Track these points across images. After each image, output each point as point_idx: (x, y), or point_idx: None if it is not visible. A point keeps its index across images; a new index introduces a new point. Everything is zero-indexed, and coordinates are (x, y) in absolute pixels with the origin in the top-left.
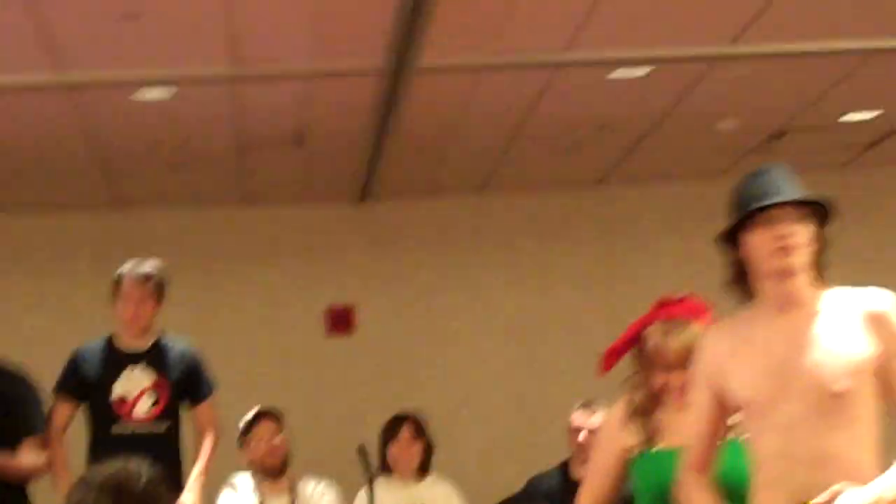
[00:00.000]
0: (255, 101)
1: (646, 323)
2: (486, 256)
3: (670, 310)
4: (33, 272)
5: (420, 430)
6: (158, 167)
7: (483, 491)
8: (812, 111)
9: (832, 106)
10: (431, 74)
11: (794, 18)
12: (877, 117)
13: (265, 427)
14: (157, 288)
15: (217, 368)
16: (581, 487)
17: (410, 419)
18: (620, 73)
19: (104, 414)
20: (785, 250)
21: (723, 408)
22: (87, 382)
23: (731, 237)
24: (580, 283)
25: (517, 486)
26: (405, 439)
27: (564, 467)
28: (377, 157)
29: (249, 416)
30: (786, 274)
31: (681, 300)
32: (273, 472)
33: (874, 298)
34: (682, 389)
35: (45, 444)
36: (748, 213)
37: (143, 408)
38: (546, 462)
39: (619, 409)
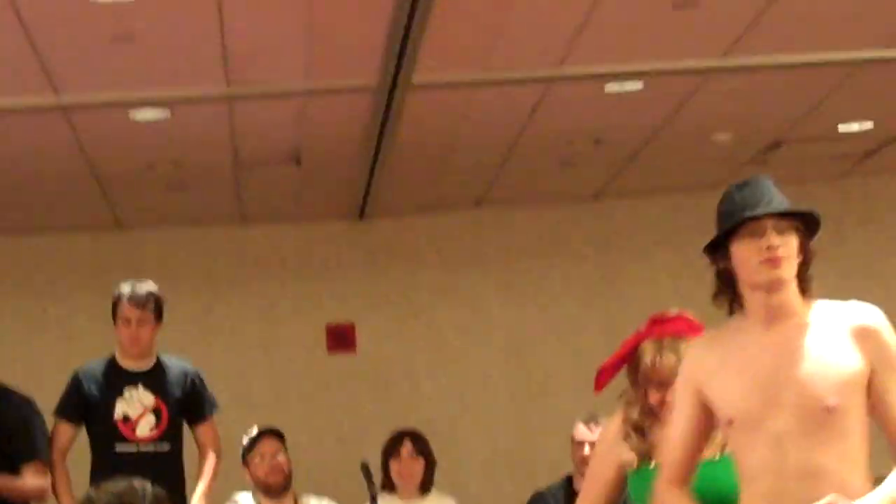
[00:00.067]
0: (251, 121)
1: (639, 340)
2: (485, 272)
3: (664, 327)
4: (33, 294)
5: (421, 447)
6: (156, 187)
7: None
8: (806, 122)
9: (826, 117)
10: (426, 91)
11: (785, 30)
12: (871, 128)
13: (267, 445)
14: (156, 310)
15: (218, 387)
16: (577, 501)
17: (411, 436)
18: (614, 87)
19: (107, 434)
20: (772, 262)
21: (707, 421)
22: (89, 403)
23: (719, 248)
24: (578, 297)
25: (518, 500)
26: (406, 456)
27: (568, 481)
28: (374, 174)
29: (251, 434)
30: (773, 286)
31: (674, 317)
32: (275, 490)
33: (862, 313)
34: None
35: (47, 469)
36: (735, 224)
37: (146, 427)
38: (547, 476)
39: (614, 424)
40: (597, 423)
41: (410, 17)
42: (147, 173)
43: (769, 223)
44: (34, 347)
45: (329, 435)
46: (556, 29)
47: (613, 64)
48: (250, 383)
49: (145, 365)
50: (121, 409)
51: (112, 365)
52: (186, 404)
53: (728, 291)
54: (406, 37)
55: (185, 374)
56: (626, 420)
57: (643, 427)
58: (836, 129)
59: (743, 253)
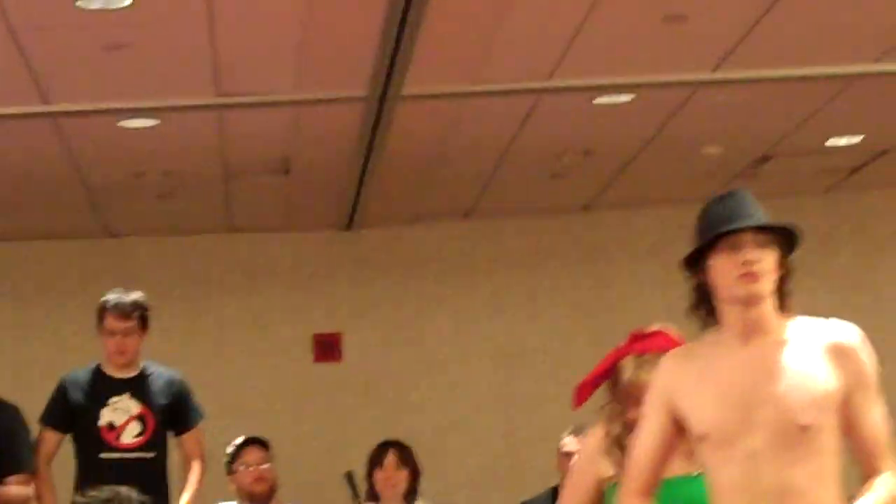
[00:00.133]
0: (240, 130)
1: (619, 356)
2: (473, 283)
3: (644, 343)
4: (21, 301)
5: (405, 457)
6: (144, 196)
7: None
8: (796, 136)
9: (816, 131)
10: (416, 102)
11: (775, 45)
12: (860, 142)
13: (252, 454)
14: (140, 320)
15: (203, 396)
16: None
17: (395, 446)
18: (604, 100)
19: (92, 441)
20: (750, 276)
21: (675, 435)
22: (75, 410)
23: (697, 261)
24: (567, 309)
25: None
26: (390, 466)
27: (554, 493)
28: (363, 184)
29: (237, 443)
30: (750, 301)
31: (654, 333)
32: (260, 499)
33: (840, 331)
34: None
35: (31, 479)
36: (713, 238)
37: (130, 435)
38: (533, 488)
39: (595, 437)
40: (585, 435)
41: (401, 28)
42: (136, 182)
43: (747, 237)
44: (22, 354)
45: (315, 444)
46: (546, 41)
47: (603, 76)
48: (237, 392)
49: (131, 373)
50: (106, 416)
51: (98, 373)
52: (172, 412)
53: (705, 305)
54: (396, 48)
55: (171, 383)
56: (608, 434)
57: (624, 442)
58: (826, 143)
59: (720, 267)
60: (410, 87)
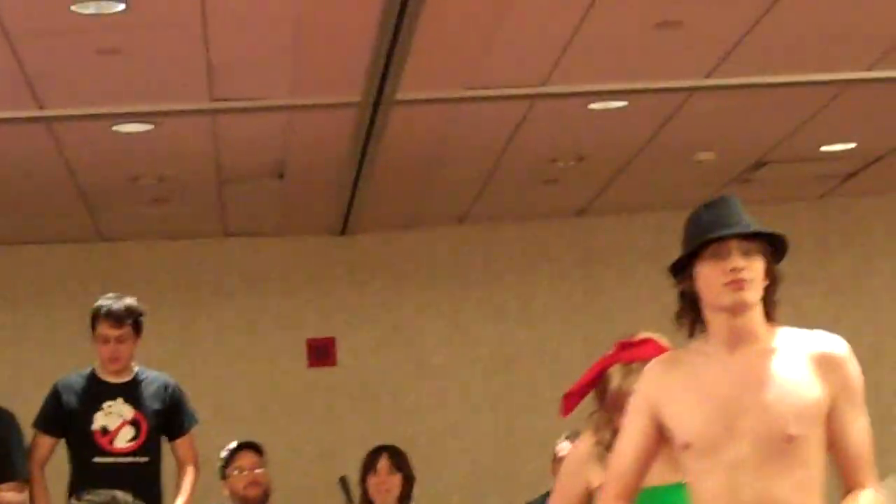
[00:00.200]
0: (234, 135)
1: (606, 365)
2: (467, 288)
3: (631, 351)
4: (15, 305)
5: (398, 463)
6: (139, 200)
7: None
8: (790, 142)
9: (810, 137)
10: (410, 107)
11: (769, 51)
12: (854, 148)
13: (246, 459)
14: (134, 327)
15: (198, 400)
16: None
17: (388, 451)
18: (598, 105)
19: (85, 445)
20: (736, 284)
21: (658, 442)
22: (69, 414)
23: (683, 268)
24: (561, 314)
25: None
26: (383, 472)
27: (548, 498)
28: (357, 189)
29: (230, 447)
30: (737, 309)
31: (641, 342)
32: None
33: (827, 343)
34: None
35: (25, 486)
36: (700, 245)
37: (124, 440)
38: (527, 493)
39: (582, 446)
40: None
41: (395, 33)
42: (130, 186)
43: (734, 245)
44: (16, 359)
45: (308, 449)
46: (540, 47)
47: (597, 82)
48: (230, 397)
49: (125, 378)
50: (99, 421)
51: (92, 377)
52: (165, 417)
53: (691, 313)
54: (391, 53)
55: (165, 387)
56: (599, 442)
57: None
58: (819, 149)
59: (707, 274)
60: (405, 92)
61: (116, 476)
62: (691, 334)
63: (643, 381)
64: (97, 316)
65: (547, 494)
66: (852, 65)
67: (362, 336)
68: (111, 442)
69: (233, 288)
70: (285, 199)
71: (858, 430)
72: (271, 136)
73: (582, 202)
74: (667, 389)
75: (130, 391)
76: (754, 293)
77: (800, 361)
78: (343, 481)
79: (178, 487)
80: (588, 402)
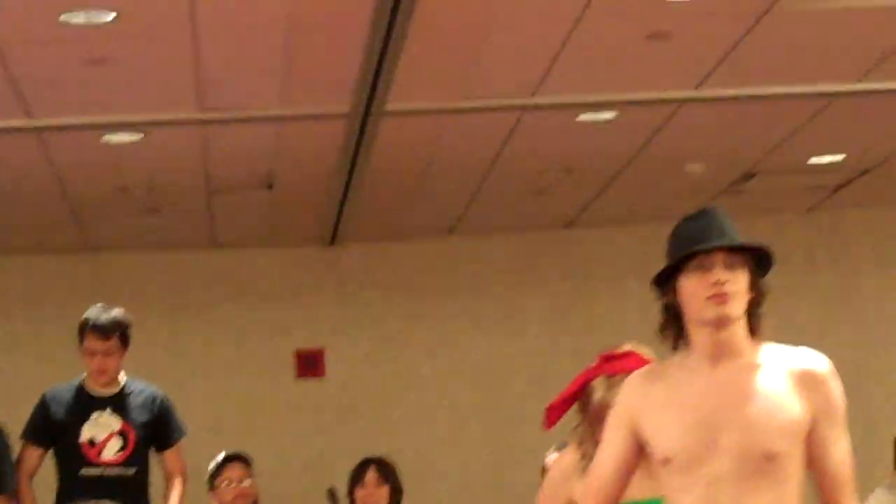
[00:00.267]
0: (224, 146)
1: (589, 377)
2: (455, 300)
3: (614, 364)
4: (3, 316)
5: (385, 474)
6: (128, 211)
7: None
8: (778, 154)
9: (798, 149)
10: (399, 118)
11: (758, 63)
12: (842, 160)
13: (234, 470)
14: (121, 339)
15: (186, 412)
16: None
17: (375, 463)
18: (587, 117)
19: (73, 456)
20: (719, 298)
21: (637, 456)
22: (56, 425)
23: (667, 281)
24: (549, 326)
25: None
26: (371, 483)
27: None
28: (346, 200)
29: (218, 459)
30: (720, 323)
31: (624, 354)
32: None
33: (810, 360)
34: None
35: (12, 499)
36: (683, 257)
37: (112, 451)
38: None
39: (566, 459)
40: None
41: (385, 45)
42: (119, 196)
43: (718, 257)
44: (3, 369)
45: (297, 461)
46: (529, 58)
47: (587, 94)
48: (219, 408)
49: (113, 389)
50: (87, 432)
51: (80, 389)
52: (153, 429)
53: (674, 326)
54: (380, 64)
55: (153, 399)
56: (584, 455)
57: None
58: (808, 161)
59: (690, 287)
60: (394, 103)
61: (104, 487)
62: (675, 347)
63: (623, 394)
64: (84, 329)
65: None
66: (841, 77)
67: (351, 347)
68: (99, 453)
69: (221, 298)
70: (274, 209)
71: (839, 449)
72: (261, 146)
73: (571, 214)
74: (647, 403)
75: (118, 403)
76: (737, 307)
77: (782, 378)
78: (331, 493)
79: (165, 499)
80: (574, 414)
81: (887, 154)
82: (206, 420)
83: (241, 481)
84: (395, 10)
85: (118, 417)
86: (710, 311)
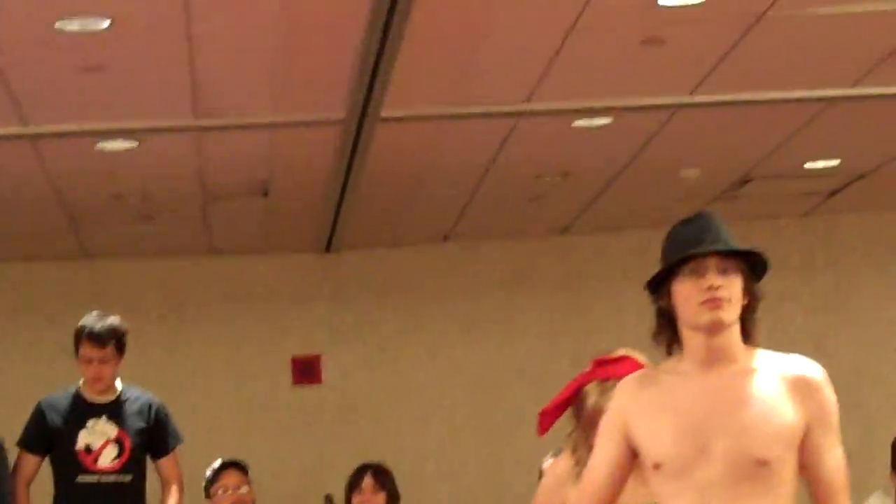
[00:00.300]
0: (219, 152)
1: (582, 383)
2: (451, 306)
3: (608, 369)
4: None
5: (382, 481)
6: (123, 218)
7: None
8: (774, 159)
9: (794, 154)
10: (394, 124)
11: (753, 68)
12: (837, 165)
13: (231, 477)
14: (117, 347)
15: (182, 419)
16: None
17: (372, 469)
18: (582, 123)
19: (69, 463)
20: (713, 303)
21: (630, 463)
22: (52, 433)
23: (661, 285)
24: (544, 333)
25: None
26: (367, 490)
27: None
28: (341, 206)
29: (215, 466)
30: (713, 328)
31: (617, 359)
32: None
33: (804, 367)
34: None
35: None
36: (677, 262)
37: (108, 458)
38: None
39: (560, 465)
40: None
41: (380, 50)
42: (114, 204)
43: (712, 262)
44: (0, 376)
45: (294, 467)
46: (524, 64)
47: (582, 99)
48: (215, 415)
49: (109, 397)
50: (83, 439)
51: (76, 396)
52: (149, 436)
53: (668, 330)
54: (375, 70)
55: (149, 406)
56: (578, 462)
57: None
58: (804, 166)
59: (683, 292)
60: (389, 109)
61: (100, 495)
62: (669, 352)
63: (615, 398)
64: (80, 337)
65: None
66: (836, 82)
67: (347, 353)
68: (95, 461)
69: (218, 305)
70: (270, 216)
71: (833, 457)
72: (256, 153)
73: (566, 220)
74: (639, 407)
75: (114, 410)
76: (732, 312)
77: (776, 384)
78: (328, 499)
79: None
80: (568, 420)
81: (882, 159)
82: (202, 427)
83: (237, 488)
84: (390, 16)
85: (114, 425)
86: (704, 316)
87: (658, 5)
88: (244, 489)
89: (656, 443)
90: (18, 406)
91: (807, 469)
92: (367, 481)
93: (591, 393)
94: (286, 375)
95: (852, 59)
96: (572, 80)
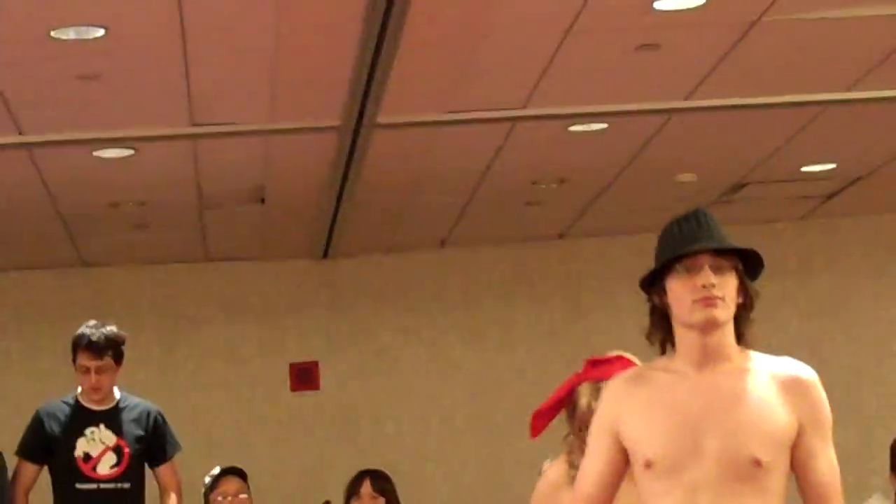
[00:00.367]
0: (215, 160)
1: (575, 383)
2: (448, 312)
3: (601, 369)
4: None
5: (381, 486)
6: (120, 226)
7: None
8: (770, 163)
9: (790, 158)
10: (391, 131)
11: (748, 73)
12: (833, 169)
13: (230, 484)
14: (115, 356)
15: (180, 426)
16: None
17: (371, 475)
18: (579, 128)
19: (68, 470)
20: (707, 301)
21: (623, 463)
22: (51, 441)
23: (655, 283)
24: (542, 338)
25: None
26: (366, 496)
27: None
28: (338, 213)
29: (213, 473)
30: (706, 327)
31: (612, 359)
32: None
33: (797, 370)
34: None
35: None
36: (671, 259)
37: (106, 466)
38: None
39: (555, 469)
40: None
41: (375, 57)
42: (111, 212)
43: (706, 260)
44: None
45: (292, 474)
46: (520, 69)
47: (578, 105)
48: (213, 422)
49: (107, 405)
50: (81, 447)
51: (74, 404)
52: (148, 444)
53: (662, 329)
54: (371, 77)
55: (147, 414)
56: (573, 465)
57: None
58: (800, 170)
59: (678, 290)
60: (385, 116)
61: (99, 502)
62: (663, 351)
63: (603, 399)
64: (77, 346)
65: None
66: (831, 86)
67: (345, 360)
68: (94, 468)
69: (214, 313)
70: (266, 223)
71: (827, 459)
72: (252, 160)
73: (562, 225)
74: (629, 406)
75: (112, 418)
76: (726, 311)
77: (769, 385)
78: None
79: None
80: (562, 422)
81: (879, 162)
82: (200, 434)
83: (236, 495)
84: (385, 23)
85: (112, 433)
86: (697, 315)
87: (654, 10)
88: (243, 496)
89: (648, 440)
90: (17, 414)
91: (799, 471)
92: (366, 488)
93: (584, 394)
94: (285, 382)
95: (848, 63)
96: (568, 85)
